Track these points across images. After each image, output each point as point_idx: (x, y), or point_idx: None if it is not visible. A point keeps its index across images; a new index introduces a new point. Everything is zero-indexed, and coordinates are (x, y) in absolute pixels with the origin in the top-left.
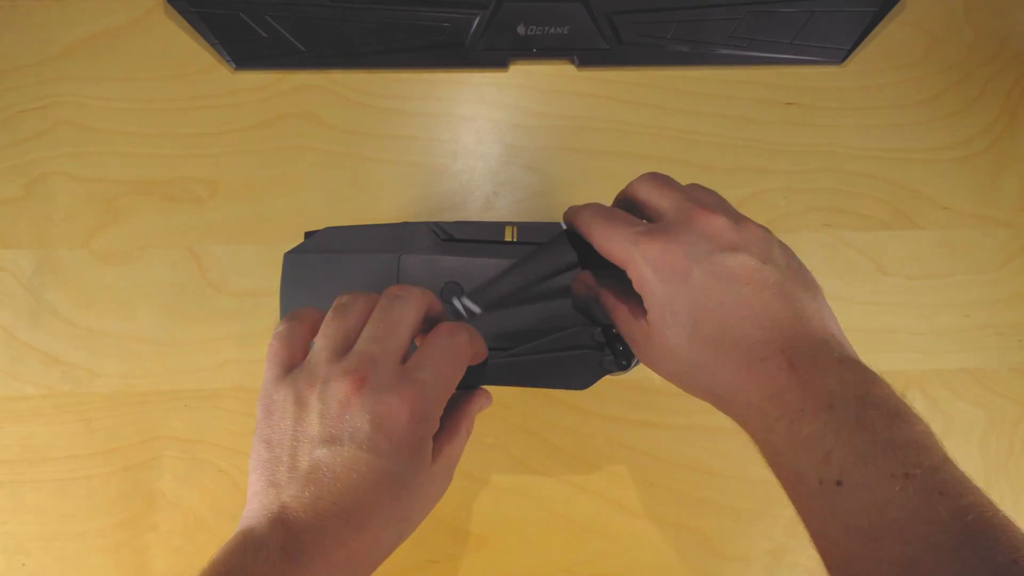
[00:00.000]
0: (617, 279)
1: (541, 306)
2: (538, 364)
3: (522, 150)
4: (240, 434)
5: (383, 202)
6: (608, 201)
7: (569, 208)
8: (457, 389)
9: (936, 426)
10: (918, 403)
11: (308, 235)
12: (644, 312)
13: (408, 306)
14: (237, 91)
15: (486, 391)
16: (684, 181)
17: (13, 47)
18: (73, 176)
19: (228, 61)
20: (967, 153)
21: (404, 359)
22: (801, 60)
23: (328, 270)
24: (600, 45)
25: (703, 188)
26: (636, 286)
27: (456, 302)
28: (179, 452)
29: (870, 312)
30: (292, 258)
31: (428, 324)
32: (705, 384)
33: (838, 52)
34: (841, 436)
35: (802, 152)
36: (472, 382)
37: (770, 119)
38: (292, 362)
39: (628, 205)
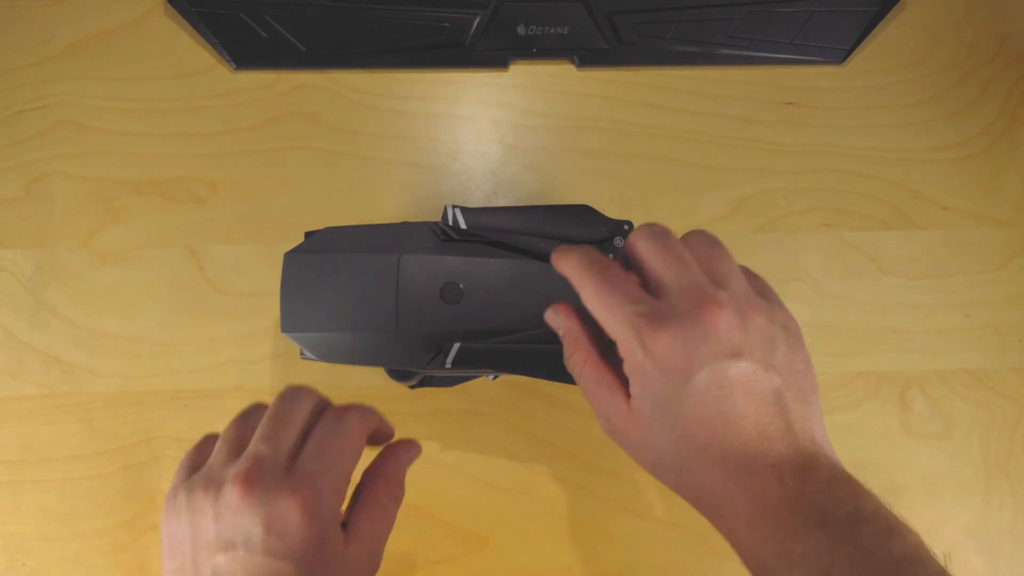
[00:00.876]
0: (601, 335)
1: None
2: (531, 353)
3: (522, 150)
4: None
5: (383, 202)
6: (606, 201)
7: (559, 249)
8: (453, 370)
9: (936, 426)
10: (918, 403)
11: (308, 235)
12: (628, 393)
13: (298, 404)
14: (237, 91)
15: (412, 442)
16: (684, 181)
17: (13, 47)
18: (73, 176)
19: (228, 61)
20: (967, 153)
21: (295, 456)
22: (801, 60)
23: (328, 270)
24: (600, 45)
25: (705, 243)
26: (627, 370)
27: (448, 207)
28: (179, 452)
29: (870, 312)
30: (292, 258)
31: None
32: (688, 485)
33: (838, 52)
34: (837, 555)
35: (802, 152)
36: (465, 365)
37: (770, 119)
38: (196, 465)
39: (625, 260)
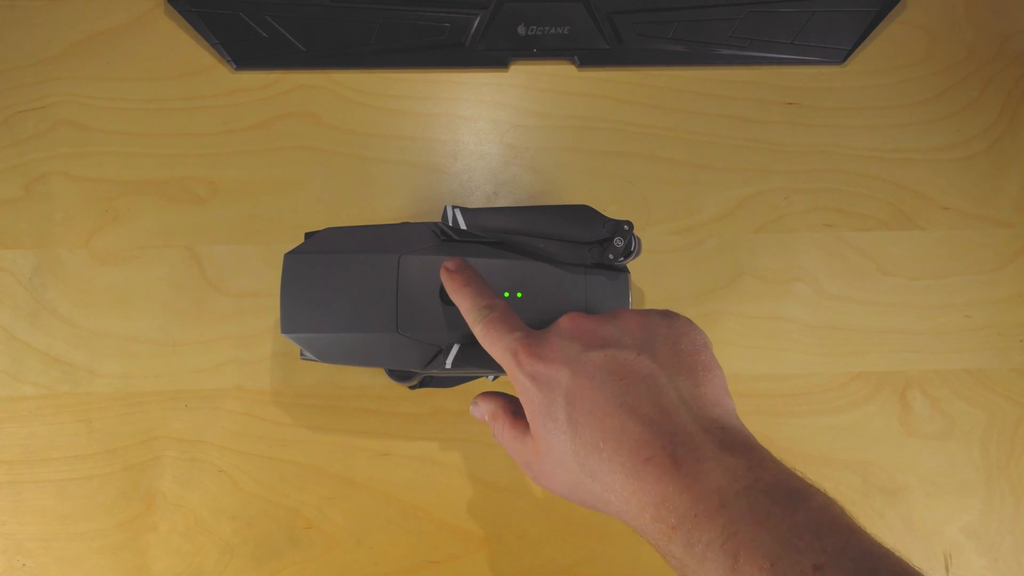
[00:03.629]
0: (511, 401)
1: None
2: None
3: (522, 150)
4: (240, 434)
5: (383, 202)
6: (606, 201)
7: (445, 266)
8: (452, 370)
9: (936, 426)
10: (918, 403)
11: (308, 236)
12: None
13: None
14: (237, 91)
15: None
16: (684, 181)
17: (13, 47)
18: (73, 176)
19: (228, 61)
20: (968, 153)
21: None
22: (801, 60)
23: (328, 271)
24: (600, 45)
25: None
26: (519, 395)
27: (448, 208)
28: (179, 452)
29: (870, 312)
30: (292, 259)
31: None
32: (599, 495)
33: (838, 52)
34: (741, 539)
35: (802, 152)
36: (465, 366)
37: (770, 119)
38: None
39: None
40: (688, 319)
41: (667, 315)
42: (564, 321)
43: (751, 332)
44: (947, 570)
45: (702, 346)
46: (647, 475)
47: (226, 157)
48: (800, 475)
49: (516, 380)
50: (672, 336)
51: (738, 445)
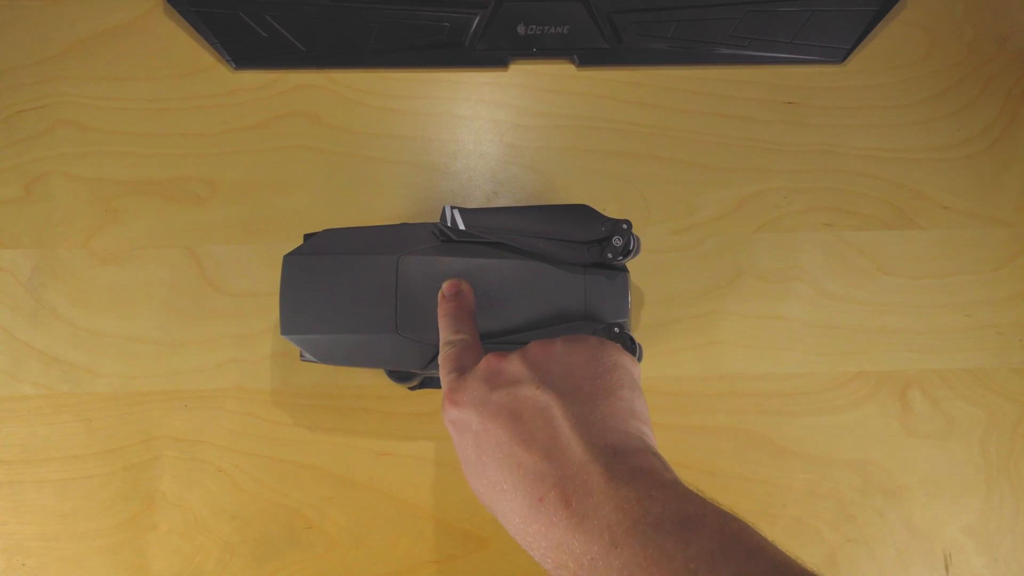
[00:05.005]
0: None
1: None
2: None
3: (522, 150)
4: (240, 434)
5: (383, 202)
6: (606, 201)
7: (444, 288)
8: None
9: (936, 426)
10: (918, 403)
11: (307, 237)
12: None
13: None
14: (237, 91)
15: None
16: (684, 181)
17: (13, 47)
18: (72, 176)
19: (228, 61)
20: (967, 153)
21: None
22: (801, 60)
23: (327, 272)
24: (600, 45)
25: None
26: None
27: (447, 208)
28: (179, 452)
29: (870, 312)
30: (292, 260)
31: None
32: (511, 529)
33: (838, 52)
34: None
35: (802, 152)
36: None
37: (770, 119)
38: None
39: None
40: (600, 340)
41: (574, 341)
42: (481, 363)
43: (751, 332)
44: (947, 570)
45: (608, 368)
46: (542, 517)
47: (226, 157)
48: (695, 494)
49: (444, 419)
50: (574, 364)
51: (628, 473)
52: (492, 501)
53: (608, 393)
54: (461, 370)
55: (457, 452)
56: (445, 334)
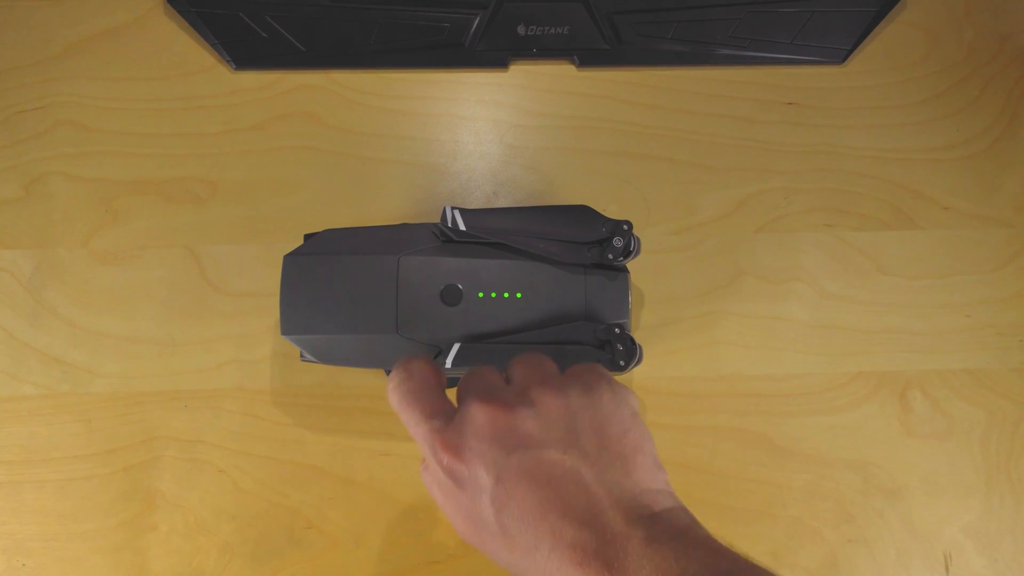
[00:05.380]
0: None
1: (538, 298)
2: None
3: (522, 150)
4: (240, 435)
5: (383, 202)
6: (606, 201)
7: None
8: (453, 370)
9: (936, 426)
10: (918, 403)
11: (307, 237)
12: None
13: None
14: (237, 91)
15: None
16: (684, 181)
17: (13, 47)
18: (72, 176)
19: (228, 61)
20: (968, 153)
21: None
22: (801, 60)
23: (328, 272)
24: (600, 45)
25: (525, 362)
26: (430, 484)
27: (447, 209)
28: (179, 452)
29: (870, 312)
30: (292, 261)
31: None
32: None
33: (838, 52)
34: None
35: (802, 152)
36: (465, 366)
37: (770, 119)
38: None
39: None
40: (611, 387)
41: (589, 391)
42: (478, 415)
43: (751, 332)
44: (947, 570)
45: (630, 424)
46: None
47: (226, 157)
48: (728, 549)
49: (431, 470)
50: (597, 421)
51: (665, 534)
52: (515, 563)
53: (635, 451)
54: (442, 416)
55: (455, 504)
56: (416, 417)
